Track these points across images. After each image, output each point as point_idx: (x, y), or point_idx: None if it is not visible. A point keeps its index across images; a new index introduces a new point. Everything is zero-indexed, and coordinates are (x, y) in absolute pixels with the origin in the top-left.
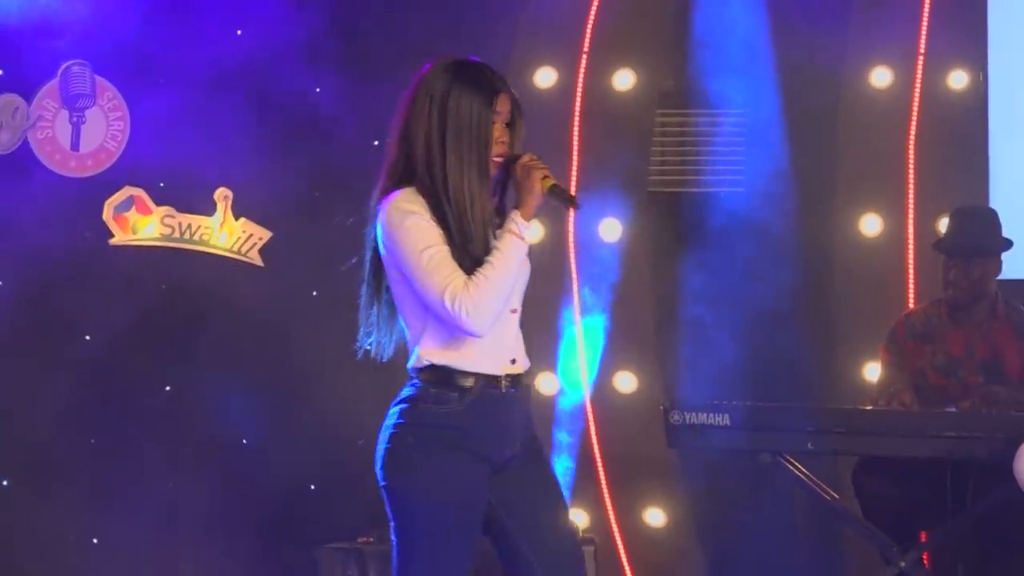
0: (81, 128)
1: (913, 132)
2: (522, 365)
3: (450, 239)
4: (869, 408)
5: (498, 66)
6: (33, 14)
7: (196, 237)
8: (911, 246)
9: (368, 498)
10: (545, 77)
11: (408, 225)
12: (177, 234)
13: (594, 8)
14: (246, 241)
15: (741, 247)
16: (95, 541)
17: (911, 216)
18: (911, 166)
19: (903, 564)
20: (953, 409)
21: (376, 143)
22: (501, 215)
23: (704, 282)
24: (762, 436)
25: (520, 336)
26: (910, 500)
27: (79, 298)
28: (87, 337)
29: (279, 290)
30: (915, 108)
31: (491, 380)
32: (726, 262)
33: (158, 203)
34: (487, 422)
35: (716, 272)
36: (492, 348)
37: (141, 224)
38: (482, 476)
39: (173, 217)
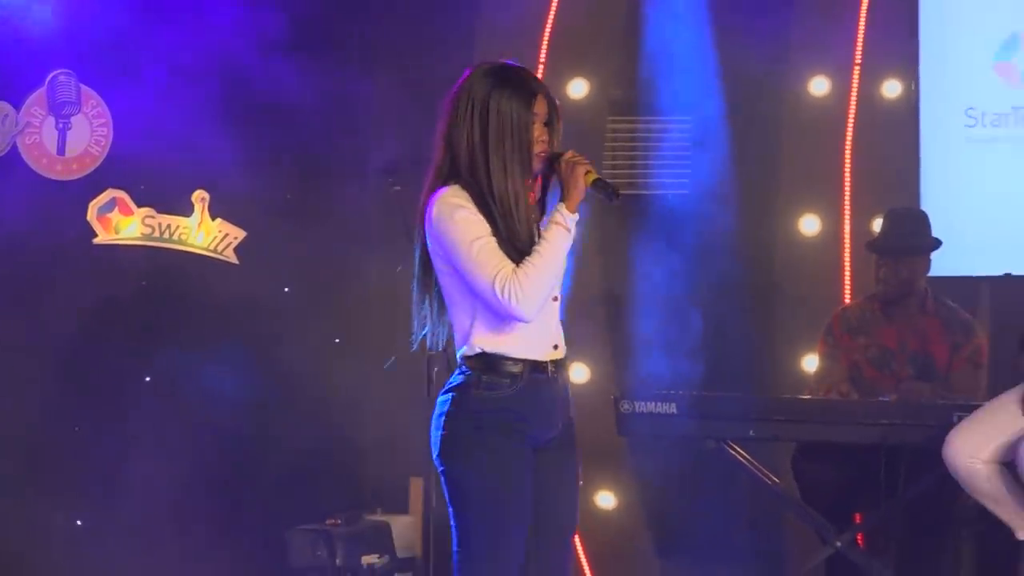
0: (67, 134)
1: (849, 138)
2: (562, 350)
3: (497, 235)
4: (808, 397)
5: (454, 80)
6: (21, 25)
7: (175, 237)
8: (847, 245)
9: (336, 482)
10: None
11: (457, 218)
12: (157, 234)
13: (550, 21)
14: (222, 240)
15: (687, 246)
16: (79, 523)
17: (847, 216)
18: (847, 170)
19: (839, 544)
20: (887, 398)
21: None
22: (540, 210)
23: (653, 279)
24: (707, 424)
25: (560, 322)
26: (846, 484)
27: (65, 294)
28: (73, 330)
29: (253, 287)
30: (851, 115)
31: (537, 365)
32: (674, 260)
33: (139, 204)
34: (536, 405)
35: (664, 270)
36: (537, 335)
37: (123, 224)
38: (530, 459)
39: (153, 218)
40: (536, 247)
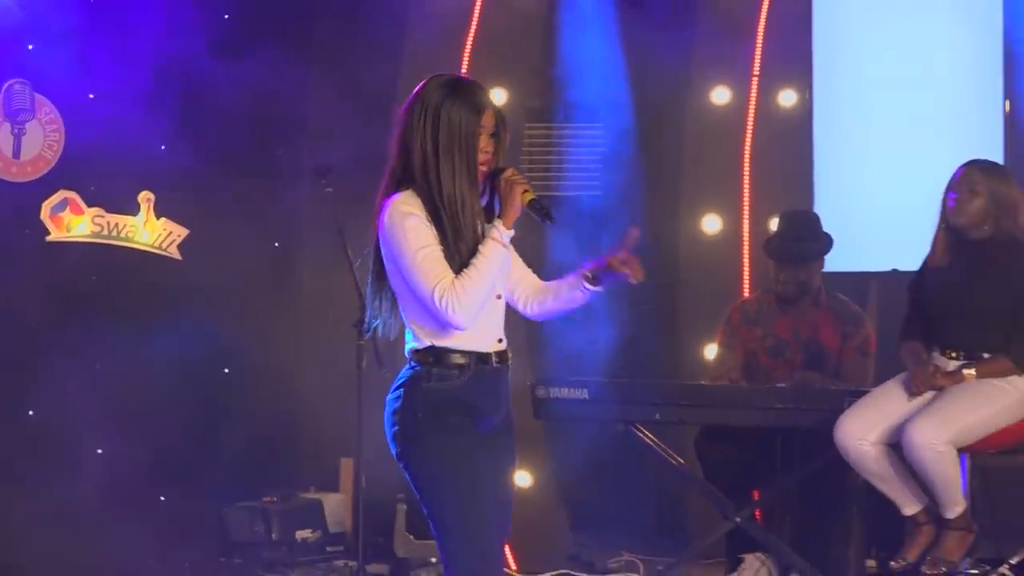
0: (22, 139)
1: (748, 143)
2: (505, 343)
3: (443, 236)
4: (710, 384)
5: (390, 86)
6: None
7: (122, 234)
8: (746, 242)
9: (272, 463)
10: None
11: (407, 225)
12: (106, 232)
13: (472, 33)
14: (166, 238)
15: (599, 244)
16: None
17: (746, 216)
18: (746, 173)
19: (738, 519)
20: (782, 385)
21: (279, 152)
22: (489, 214)
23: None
24: (616, 408)
25: (503, 317)
26: (745, 464)
27: (19, 288)
28: (27, 321)
29: (194, 281)
30: (750, 122)
31: (483, 357)
32: (586, 258)
33: (89, 204)
34: (483, 395)
35: (578, 265)
36: (483, 329)
37: (74, 223)
38: (482, 442)
39: (102, 217)
40: (473, 261)
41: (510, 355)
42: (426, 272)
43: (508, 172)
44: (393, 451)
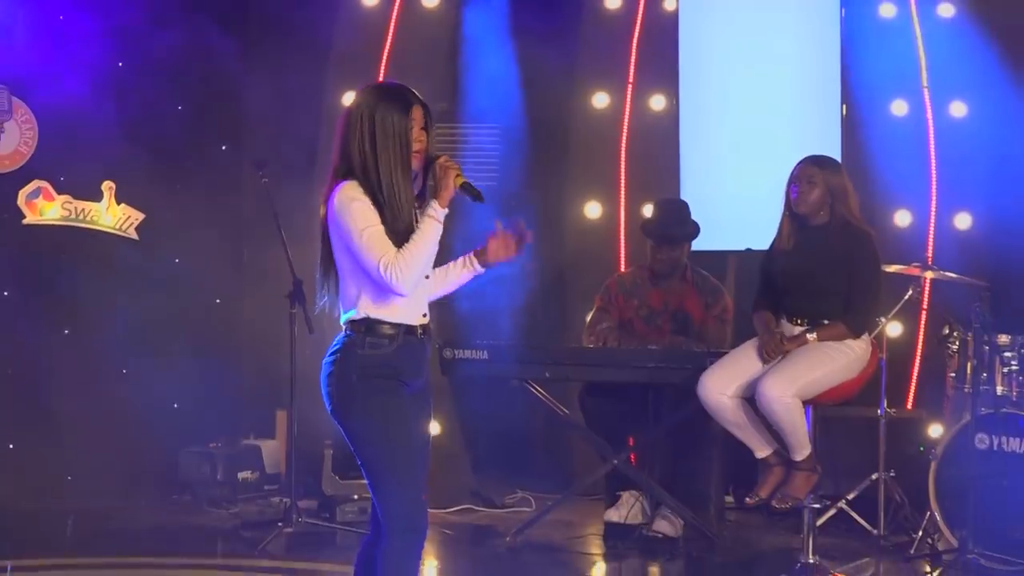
0: (1, 136)
1: (624, 141)
2: (428, 318)
3: (383, 219)
4: (592, 347)
5: (314, 89)
6: None
7: (88, 218)
8: (622, 225)
9: (217, 414)
10: (349, 98)
11: (353, 208)
12: (74, 216)
13: (387, 46)
14: (125, 221)
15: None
16: (11, 446)
17: (623, 203)
18: (623, 166)
19: (616, 462)
20: (653, 347)
21: (224, 147)
22: (421, 199)
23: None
24: (512, 367)
25: (427, 294)
26: (622, 415)
27: (1, 265)
28: (5, 293)
29: (150, 258)
30: (626, 123)
31: (410, 329)
32: (478, 240)
33: (59, 192)
34: (409, 362)
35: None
36: (411, 305)
37: (47, 208)
38: (409, 401)
39: (71, 203)
40: (413, 236)
41: (431, 327)
42: (372, 247)
43: (442, 159)
44: (328, 407)
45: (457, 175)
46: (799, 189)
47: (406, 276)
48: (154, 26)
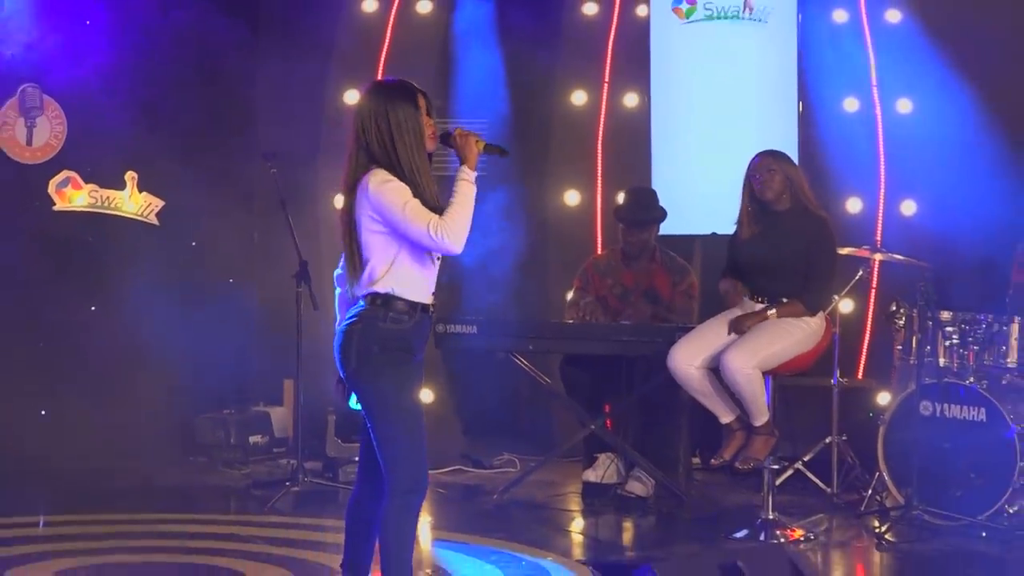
0: (33, 130)
1: (601, 135)
2: (435, 297)
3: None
4: (571, 322)
5: (318, 87)
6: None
7: (112, 205)
8: (598, 212)
9: (231, 383)
10: (352, 96)
11: (389, 188)
12: (99, 203)
13: (385, 47)
14: (147, 208)
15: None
16: (43, 412)
17: (599, 192)
18: (599, 158)
19: (593, 427)
20: (627, 322)
21: (236, 141)
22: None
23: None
24: (498, 340)
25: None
26: (598, 384)
27: (32, 248)
28: (36, 274)
29: (169, 241)
30: (602, 118)
31: (424, 307)
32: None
33: (86, 181)
34: (420, 337)
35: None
36: (425, 285)
37: (75, 196)
38: (413, 370)
39: (97, 191)
40: (452, 199)
41: (436, 306)
42: (417, 216)
43: (458, 130)
44: (343, 373)
45: (477, 140)
46: (762, 179)
47: (456, 233)
48: (174, 29)
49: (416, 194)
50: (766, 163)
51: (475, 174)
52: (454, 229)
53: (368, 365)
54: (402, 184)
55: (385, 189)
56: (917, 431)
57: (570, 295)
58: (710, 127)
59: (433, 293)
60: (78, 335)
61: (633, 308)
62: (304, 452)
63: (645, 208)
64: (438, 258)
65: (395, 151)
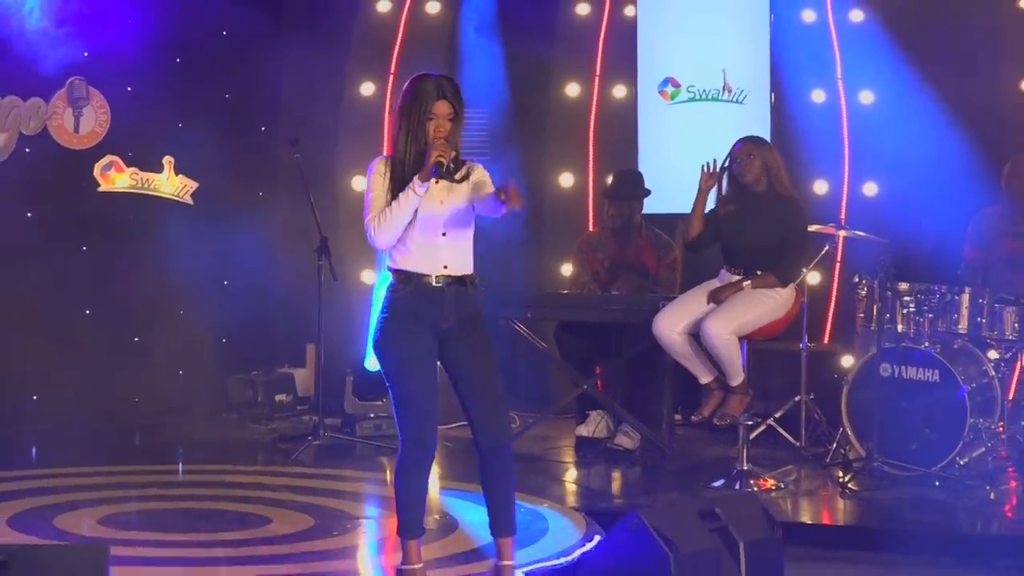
0: (80, 119)
1: (592, 122)
2: (456, 270)
3: (394, 184)
4: (566, 292)
5: (337, 80)
6: (50, 44)
7: (151, 187)
8: (590, 192)
9: (258, 346)
10: (367, 87)
11: (368, 178)
12: (140, 185)
13: (398, 44)
14: (182, 189)
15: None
16: (89, 374)
17: (591, 174)
18: (591, 143)
19: (585, 387)
20: (617, 292)
21: (263, 128)
22: (449, 178)
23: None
24: (499, 308)
25: (456, 251)
26: (590, 348)
27: (78, 224)
28: (84, 248)
29: (202, 219)
30: (593, 108)
31: (424, 277)
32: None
33: (128, 165)
34: (427, 304)
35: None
36: (425, 258)
37: (117, 178)
38: (427, 336)
39: (137, 174)
40: (393, 202)
41: (464, 279)
42: (368, 208)
43: (435, 143)
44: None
45: (438, 156)
46: (742, 163)
47: (377, 233)
48: (208, 26)
49: (399, 183)
50: (747, 148)
51: (422, 185)
52: (377, 229)
53: (376, 330)
54: (377, 176)
55: (367, 177)
56: (877, 391)
57: (569, 270)
58: (691, 115)
59: (446, 266)
60: (121, 304)
61: (622, 280)
62: (324, 409)
63: (629, 184)
64: (444, 233)
65: (395, 140)
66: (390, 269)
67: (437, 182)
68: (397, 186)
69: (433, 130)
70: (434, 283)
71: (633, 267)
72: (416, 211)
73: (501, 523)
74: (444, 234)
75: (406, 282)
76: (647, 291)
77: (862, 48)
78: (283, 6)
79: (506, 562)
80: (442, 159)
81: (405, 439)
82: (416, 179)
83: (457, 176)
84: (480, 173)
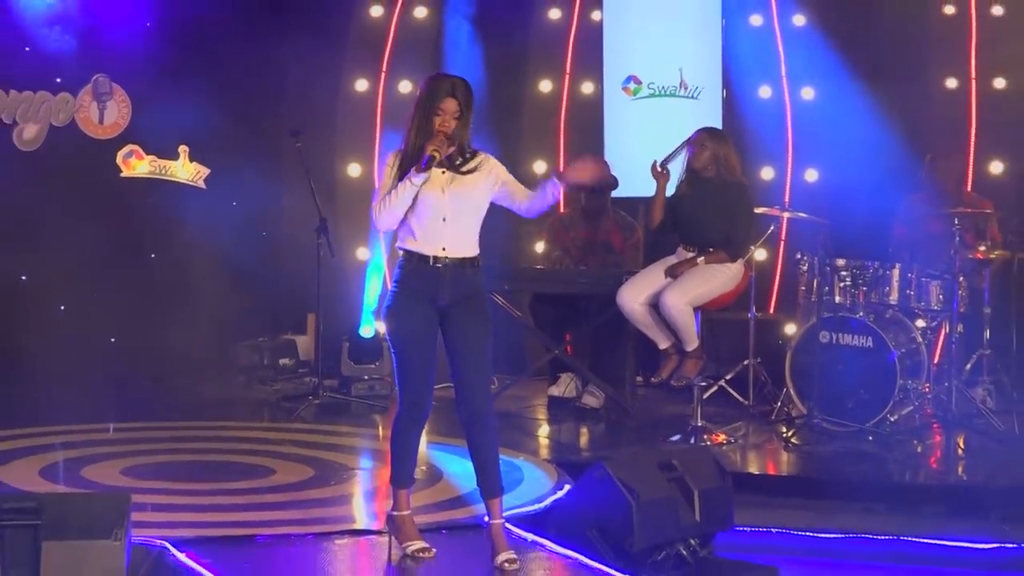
0: (104, 111)
1: (563, 115)
2: (455, 253)
3: (401, 173)
4: (540, 267)
5: (335, 76)
6: (78, 43)
7: (168, 173)
8: None
9: (263, 315)
10: (361, 84)
11: (384, 167)
12: (157, 171)
13: (389, 44)
14: (196, 175)
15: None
16: (112, 340)
17: (562, 162)
18: (562, 134)
19: (556, 352)
20: (584, 268)
21: (268, 119)
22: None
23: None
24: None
25: (456, 235)
26: (561, 317)
27: (102, 206)
28: (107, 228)
29: (214, 202)
30: (564, 102)
31: (424, 257)
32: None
33: (147, 153)
34: (424, 282)
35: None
36: (427, 241)
37: (137, 165)
38: (426, 311)
39: (155, 161)
40: (392, 191)
41: (463, 261)
42: (375, 197)
43: (435, 138)
44: None
45: (433, 149)
46: (693, 151)
47: (378, 218)
48: (219, 30)
49: (405, 165)
50: (700, 139)
51: (420, 176)
52: (378, 215)
53: (388, 303)
54: (388, 168)
55: (383, 167)
56: (817, 355)
57: (540, 248)
58: (651, 109)
59: (444, 248)
60: (141, 278)
61: (592, 257)
62: (323, 372)
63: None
64: (444, 219)
65: (406, 133)
66: (399, 248)
67: (444, 173)
68: (403, 176)
69: (438, 125)
70: (432, 263)
71: (603, 246)
72: (418, 198)
73: (488, 485)
74: (444, 219)
75: (410, 261)
76: (613, 267)
77: (804, 49)
78: (288, 11)
79: (496, 520)
80: (436, 153)
81: (403, 400)
82: (413, 170)
83: (464, 169)
84: (497, 173)
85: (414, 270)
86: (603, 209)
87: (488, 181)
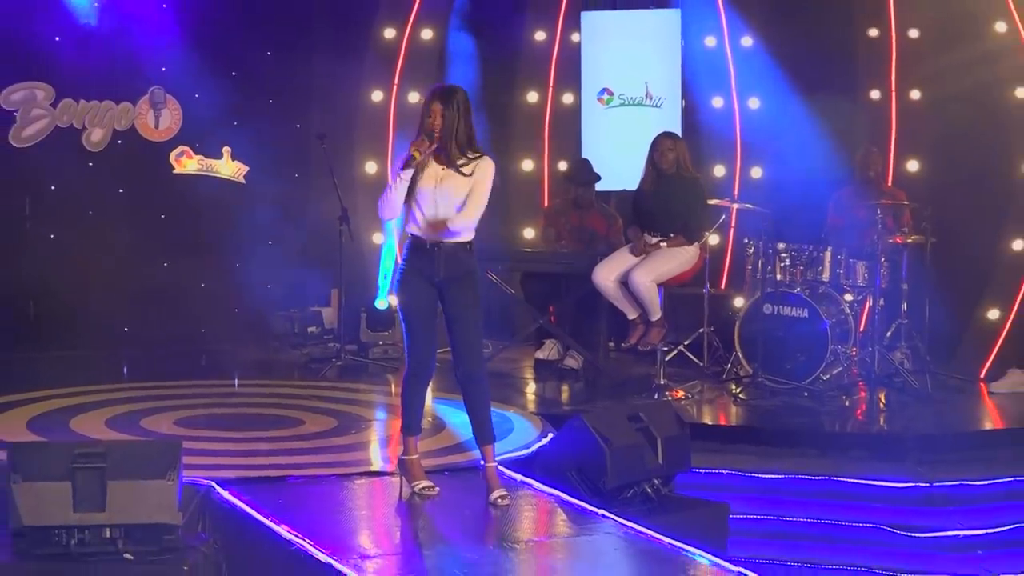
0: (159, 118)
1: (547, 121)
2: (445, 238)
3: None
4: (530, 249)
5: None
6: (138, 64)
7: (213, 170)
8: (545, 175)
9: (294, 290)
10: (376, 95)
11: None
12: (204, 168)
13: (400, 61)
14: (237, 172)
15: None
16: (166, 311)
17: (546, 161)
18: (546, 138)
19: (541, 321)
20: (567, 250)
21: (298, 125)
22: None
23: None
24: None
25: (448, 222)
26: (546, 292)
27: (159, 200)
28: (162, 216)
29: (252, 195)
30: (548, 110)
31: (420, 240)
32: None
33: (196, 153)
34: (423, 261)
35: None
36: (425, 225)
37: (187, 164)
38: (427, 287)
39: (203, 160)
40: (391, 184)
41: (455, 244)
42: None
43: (418, 140)
44: None
45: (413, 148)
46: (662, 152)
47: (380, 209)
48: (256, 49)
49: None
50: (667, 143)
51: (407, 171)
52: (380, 206)
53: (396, 279)
54: (395, 170)
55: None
56: (761, 324)
57: (529, 234)
58: (621, 117)
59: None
60: (191, 261)
61: (579, 242)
62: (345, 338)
63: (589, 172)
64: (437, 208)
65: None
66: (407, 232)
67: (443, 169)
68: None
69: (428, 125)
70: (430, 247)
71: (588, 232)
72: (417, 189)
73: (482, 434)
74: (436, 209)
75: (413, 244)
76: (602, 249)
77: (751, 66)
78: (314, 33)
79: (490, 464)
80: (416, 152)
81: (410, 361)
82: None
83: (460, 164)
84: (476, 179)
85: (416, 252)
86: (590, 200)
87: (470, 182)
